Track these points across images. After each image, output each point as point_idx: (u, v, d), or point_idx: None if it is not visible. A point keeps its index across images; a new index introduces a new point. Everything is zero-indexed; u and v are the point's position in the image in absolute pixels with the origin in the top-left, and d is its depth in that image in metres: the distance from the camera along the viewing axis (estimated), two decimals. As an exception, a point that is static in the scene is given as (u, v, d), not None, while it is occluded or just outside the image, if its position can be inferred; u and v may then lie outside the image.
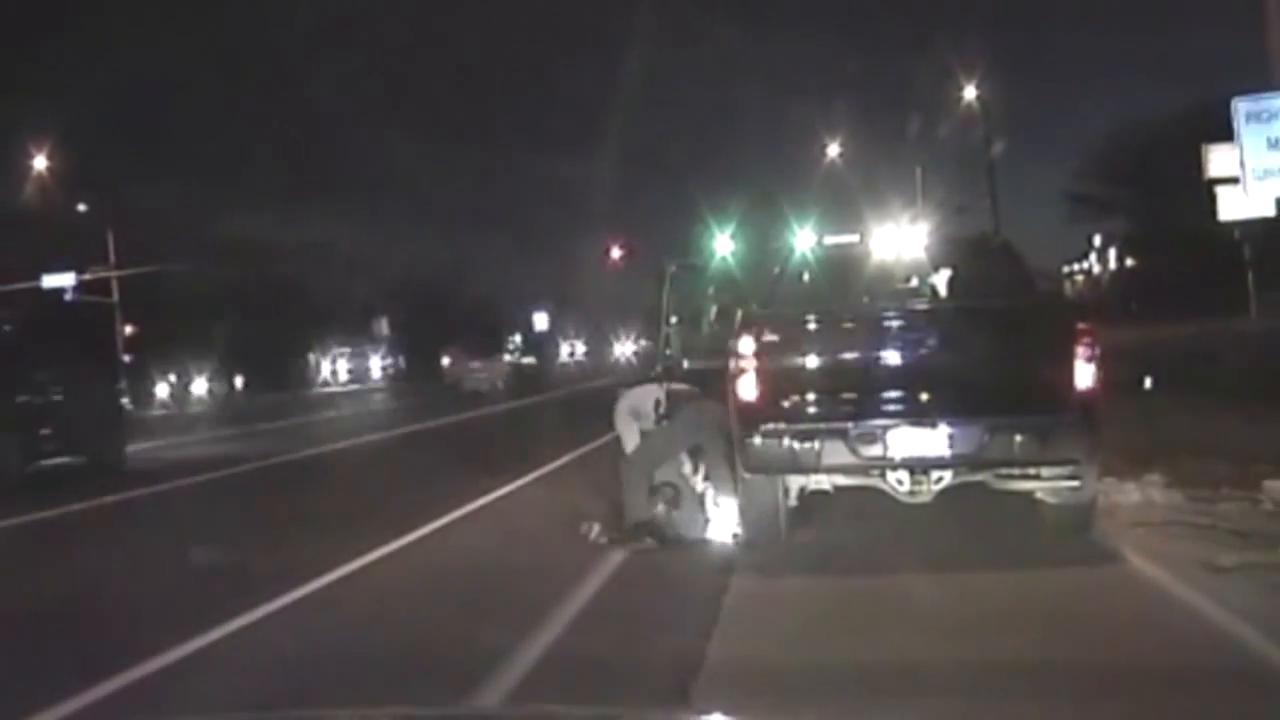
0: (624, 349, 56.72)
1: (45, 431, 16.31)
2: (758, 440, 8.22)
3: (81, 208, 46.00)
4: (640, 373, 19.51)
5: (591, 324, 73.62)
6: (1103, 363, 8.08)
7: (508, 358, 53.21)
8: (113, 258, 44.06)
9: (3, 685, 6.12)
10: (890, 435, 8.03)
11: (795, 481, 8.70)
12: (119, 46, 69.31)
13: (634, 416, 9.81)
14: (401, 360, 69.54)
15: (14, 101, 45.59)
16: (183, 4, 79.06)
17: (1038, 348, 8.26)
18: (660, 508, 9.12)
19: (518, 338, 66.09)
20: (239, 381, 60.95)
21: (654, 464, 9.29)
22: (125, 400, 18.89)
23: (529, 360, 56.25)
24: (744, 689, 5.56)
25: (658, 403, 9.79)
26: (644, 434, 9.62)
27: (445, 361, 51.69)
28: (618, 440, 10.03)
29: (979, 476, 8.38)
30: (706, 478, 9.27)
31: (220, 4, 79.99)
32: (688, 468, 9.36)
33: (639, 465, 9.31)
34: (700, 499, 9.21)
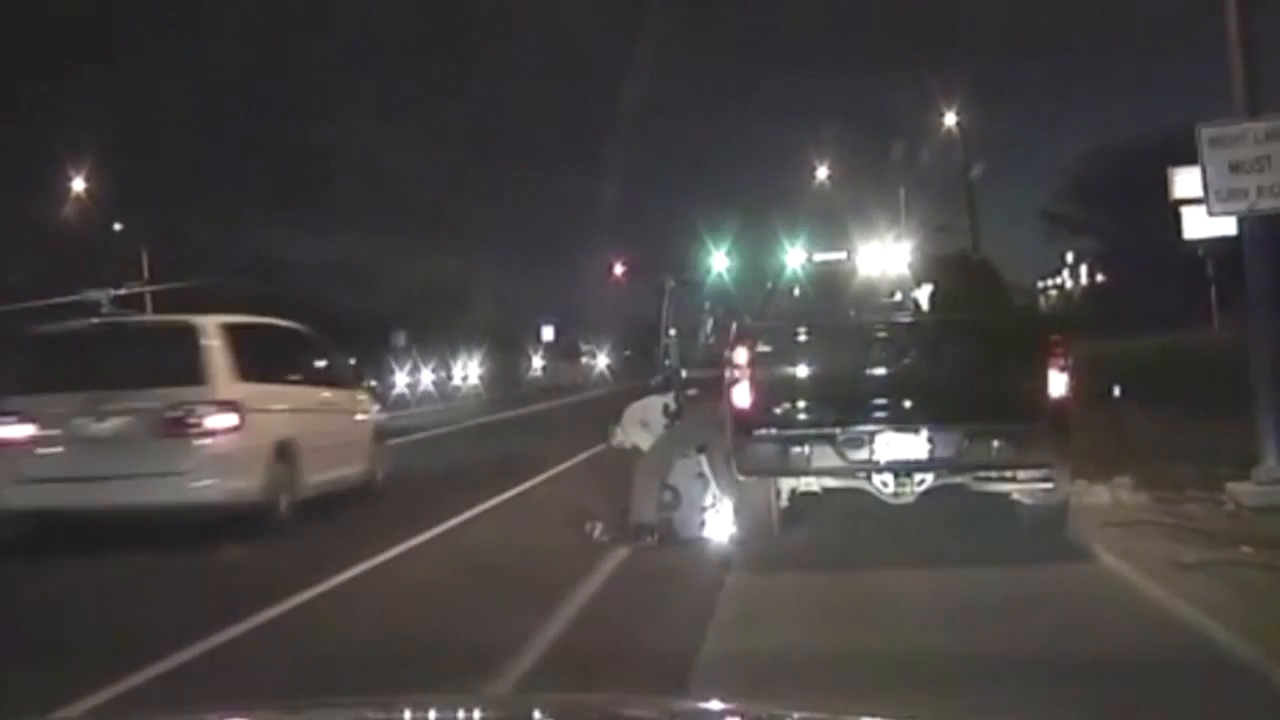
0: (600, 362, 60.69)
1: None
2: (751, 445, 8.24)
3: (117, 226, 46.10)
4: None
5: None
6: (1074, 373, 8.11)
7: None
8: (146, 273, 44.13)
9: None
10: (876, 440, 8.05)
11: (786, 483, 8.70)
12: (151, 76, 69.50)
13: (643, 425, 9.86)
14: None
15: (54, 126, 45.71)
16: (212, 35, 79.12)
17: (1013, 358, 8.28)
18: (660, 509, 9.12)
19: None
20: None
21: (667, 466, 9.27)
22: None
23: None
24: (739, 677, 5.57)
25: (666, 406, 9.83)
26: (657, 438, 9.64)
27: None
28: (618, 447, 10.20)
29: (959, 479, 8.39)
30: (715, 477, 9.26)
31: (246, 35, 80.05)
32: (705, 467, 9.30)
33: (652, 468, 9.28)
34: (708, 499, 9.17)
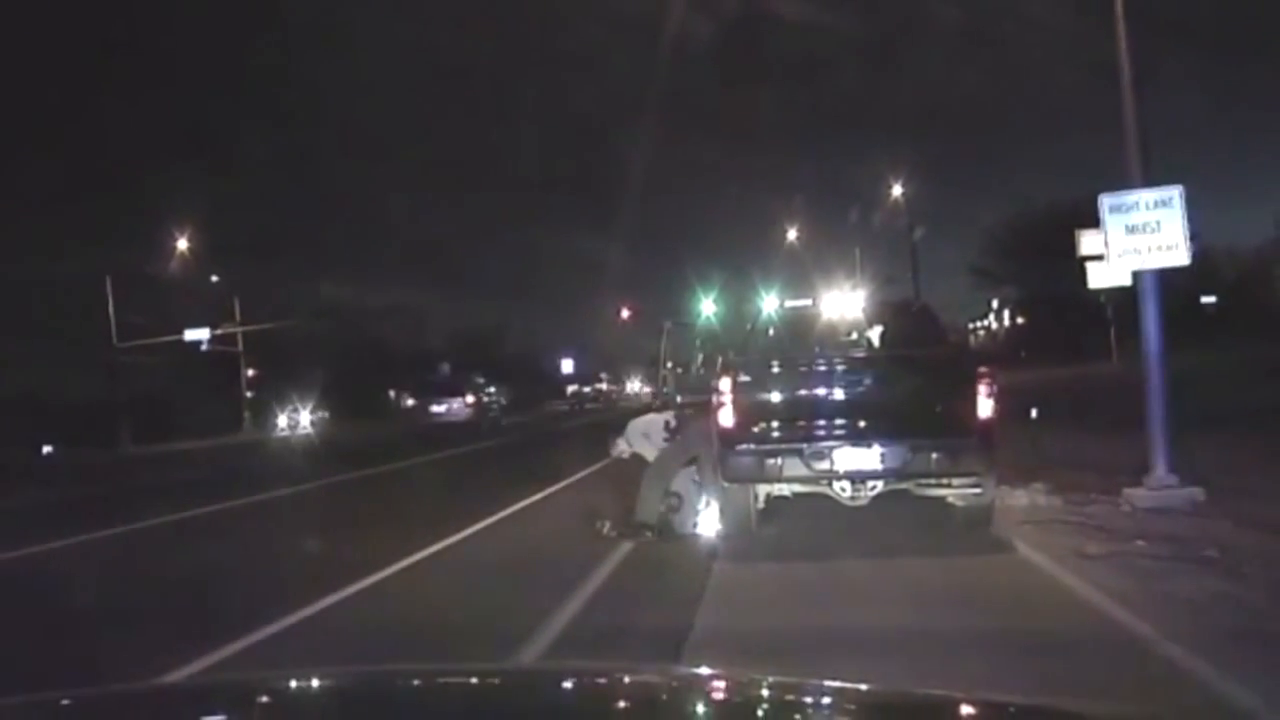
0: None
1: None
2: (734, 457, 8.25)
3: (214, 278, 46.26)
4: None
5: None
6: (999, 398, 8.13)
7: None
8: (238, 316, 44.23)
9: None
10: (836, 453, 8.07)
11: (763, 489, 8.73)
12: (240, 153, 70.07)
13: (645, 437, 9.85)
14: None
15: (163, 197, 45.96)
16: (293, 121, 79.76)
17: (949, 386, 8.30)
18: (662, 509, 9.10)
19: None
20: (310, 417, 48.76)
21: (669, 473, 9.26)
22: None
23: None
24: (725, 649, 5.57)
25: (667, 423, 9.83)
26: (660, 449, 9.64)
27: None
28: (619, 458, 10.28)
29: (904, 485, 8.41)
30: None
31: (321, 121, 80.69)
32: (696, 475, 9.28)
33: (658, 475, 9.27)
34: (701, 502, 9.15)
